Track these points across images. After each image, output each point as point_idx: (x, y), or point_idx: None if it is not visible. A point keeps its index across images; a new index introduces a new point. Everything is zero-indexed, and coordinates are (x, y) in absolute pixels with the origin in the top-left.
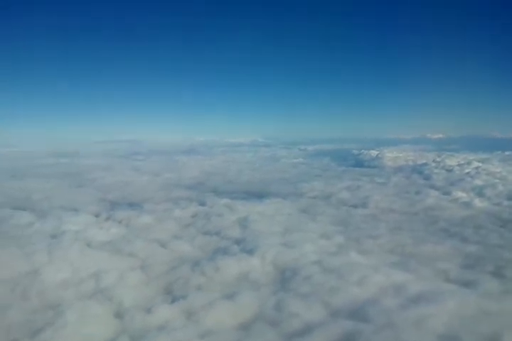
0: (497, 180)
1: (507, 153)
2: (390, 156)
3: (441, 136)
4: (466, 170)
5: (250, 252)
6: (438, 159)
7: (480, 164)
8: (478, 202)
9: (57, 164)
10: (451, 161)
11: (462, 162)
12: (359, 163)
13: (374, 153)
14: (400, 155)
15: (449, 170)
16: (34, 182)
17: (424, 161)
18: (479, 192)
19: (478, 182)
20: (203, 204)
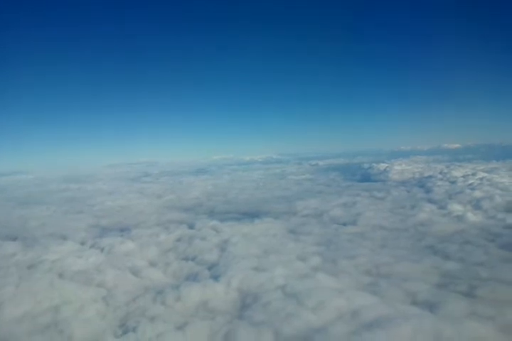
0: (498, 191)
1: None
2: (398, 169)
3: (458, 145)
4: (470, 182)
5: (218, 278)
6: (445, 170)
7: (485, 174)
8: (471, 216)
9: (66, 190)
10: (458, 172)
11: (469, 173)
12: (366, 177)
13: (383, 166)
14: (408, 167)
15: (453, 182)
16: (36, 209)
17: (431, 173)
18: (476, 205)
19: (477, 193)
20: (191, 227)
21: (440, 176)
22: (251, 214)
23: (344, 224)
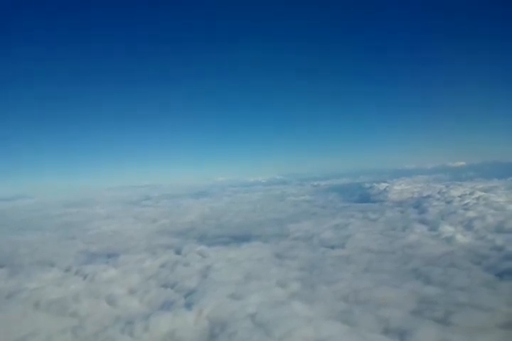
0: (491, 211)
1: None
2: (397, 189)
3: (462, 163)
4: (466, 201)
5: (191, 306)
6: (444, 190)
7: (483, 193)
8: (460, 237)
9: (64, 214)
10: (456, 192)
11: (467, 192)
12: (365, 198)
13: (383, 186)
14: (408, 187)
15: (449, 202)
16: (30, 235)
17: (429, 193)
18: (467, 225)
19: (470, 214)
20: (178, 252)
21: (438, 196)
22: (241, 238)
23: (332, 247)
